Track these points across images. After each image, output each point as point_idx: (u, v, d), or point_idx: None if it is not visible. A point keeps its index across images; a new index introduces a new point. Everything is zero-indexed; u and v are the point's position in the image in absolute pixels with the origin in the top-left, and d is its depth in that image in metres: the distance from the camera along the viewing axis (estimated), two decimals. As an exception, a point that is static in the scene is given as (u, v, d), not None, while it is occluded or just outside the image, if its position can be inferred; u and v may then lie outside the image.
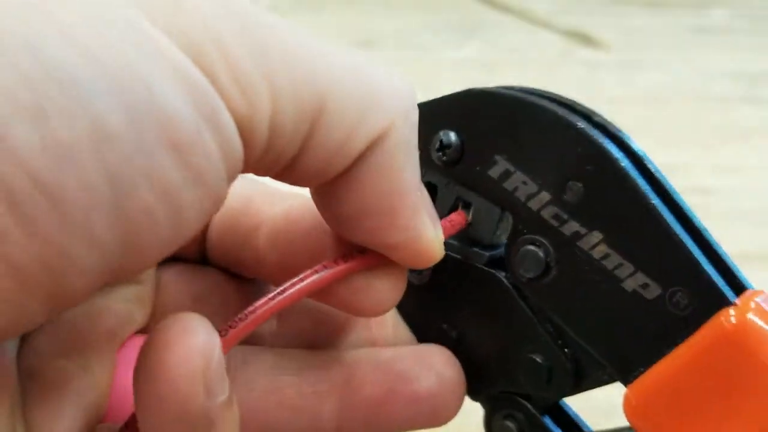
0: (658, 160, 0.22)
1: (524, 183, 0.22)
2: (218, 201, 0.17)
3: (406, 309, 0.26)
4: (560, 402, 0.25)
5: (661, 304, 0.21)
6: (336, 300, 0.22)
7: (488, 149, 0.23)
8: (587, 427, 0.25)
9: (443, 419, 0.25)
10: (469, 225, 0.24)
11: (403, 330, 0.26)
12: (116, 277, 0.16)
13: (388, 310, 0.22)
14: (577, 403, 0.25)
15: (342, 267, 0.21)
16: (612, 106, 0.74)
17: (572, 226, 0.22)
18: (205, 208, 0.17)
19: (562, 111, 0.22)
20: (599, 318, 0.22)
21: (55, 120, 0.14)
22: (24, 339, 0.21)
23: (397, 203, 0.20)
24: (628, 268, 0.21)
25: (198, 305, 0.24)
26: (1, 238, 0.14)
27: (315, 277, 0.21)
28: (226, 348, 0.19)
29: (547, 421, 0.25)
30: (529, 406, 0.25)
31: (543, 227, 0.22)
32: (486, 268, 0.24)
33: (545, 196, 0.22)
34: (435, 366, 0.24)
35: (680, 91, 0.74)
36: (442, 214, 0.24)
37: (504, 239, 0.24)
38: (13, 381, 0.20)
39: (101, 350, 0.22)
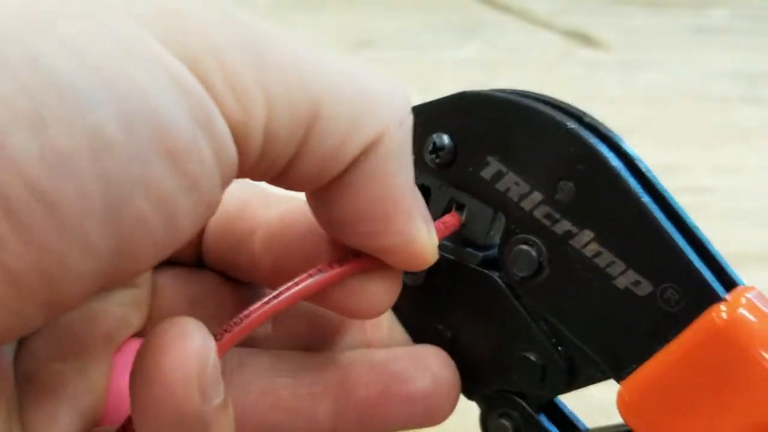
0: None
1: (516, 183, 0.23)
2: (212, 206, 0.18)
3: (401, 310, 0.26)
4: (555, 400, 0.25)
5: (652, 301, 0.21)
6: (331, 303, 0.22)
7: (481, 151, 0.23)
8: (582, 424, 0.25)
9: (438, 419, 0.25)
10: (462, 226, 0.24)
11: (399, 331, 0.26)
12: (112, 281, 0.17)
13: (382, 313, 0.22)
14: (573, 402, 0.25)
15: (337, 270, 0.21)
16: (612, 106, 0.75)
17: (564, 225, 0.22)
18: (200, 214, 0.17)
19: (553, 112, 0.22)
20: (592, 316, 0.22)
21: (54, 128, 0.15)
22: (21, 343, 0.21)
23: (390, 208, 0.20)
24: (620, 265, 0.21)
25: (194, 309, 0.24)
26: None
27: (310, 280, 0.21)
28: (222, 352, 0.19)
29: (543, 419, 0.25)
30: (524, 404, 0.25)
31: (535, 227, 0.23)
32: (480, 269, 0.24)
33: (537, 196, 0.22)
34: (430, 366, 0.25)
35: (680, 91, 0.74)
36: (436, 215, 0.24)
37: (497, 239, 0.24)
38: (10, 384, 0.20)
39: (98, 354, 0.22)
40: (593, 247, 0.22)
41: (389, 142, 0.19)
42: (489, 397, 0.25)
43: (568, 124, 0.22)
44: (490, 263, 0.24)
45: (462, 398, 0.25)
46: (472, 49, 0.81)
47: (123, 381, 0.19)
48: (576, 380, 0.24)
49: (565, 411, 0.25)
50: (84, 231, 0.15)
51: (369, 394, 0.24)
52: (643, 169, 0.22)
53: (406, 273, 0.24)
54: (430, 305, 0.26)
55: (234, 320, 0.20)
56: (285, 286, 0.21)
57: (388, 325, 0.26)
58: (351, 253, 0.22)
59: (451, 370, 0.25)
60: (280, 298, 0.21)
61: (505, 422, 0.25)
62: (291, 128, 0.18)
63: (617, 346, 0.22)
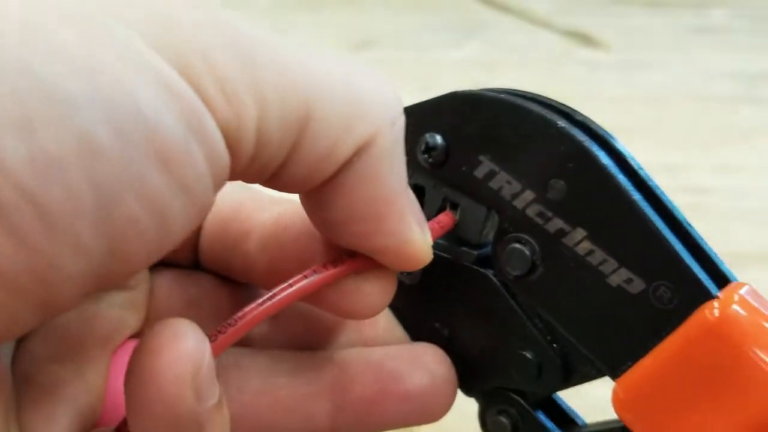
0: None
1: (508, 182, 0.23)
2: (205, 208, 0.18)
3: (398, 308, 0.26)
4: (553, 395, 0.25)
5: (645, 299, 0.21)
6: (326, 304, 0.22)
7: (473, 150, 0.23)
8: (581, 419, 0.25)
9: (435, 416, 0.25)
10: (457, 225, 0.24)
11: (396, 329, 0.26)
12: (105, 283, 0.17)
13: (378, 313, 0.23)
14: (571, 400, 0.26)
15: (331, 271, 0.21)
16: (612, 106, 0.75)
17: (556, 224, 0.22)
18: (192, 216, 0.17)
19: (543, 111, 0.22)
20: (586, 313, 0.22)
21: (43, 132, 0.15)
22: (19, 344, 0.21)
23: (383, 209, 0.20)
24: (612, 263, 0.22)
25: (191, 310, 0.24)
26: None
27: (304, 282, 0.21)
28: (216, 353, 0.19)
29: (540, 415, 0.25)
30: (521, 401, 0.25)
31: (528, 225, 0.23)
32: (475, 267, 0.24)
33: (529, 194, 0.22)
34: (426, 364, 0.25)
35: (680, 91, 0.74)
36: (430, 215, 0.24)
37: (492, 238, 0.24)
38: (8, 386, 0.20)
39: (95, 355, 0.22)
40: (585, 246, 0.22)
41: (382, 142, 0.19)
42: (487, 393, 0.26)
43: (558, 122, 0.22)
44: (485, 261, 0.24)
45: (460, 398, 0.25)
46: (472, 49, 0.81)
47: (121, 382, 0.19)
48: (572, 377, 0.24)
49: (563, 406, 0.25)
50: (75, 232, 0.15)
51: (366, 393, 0.24)
52: (635, 167, 0.22)
53: (402, 272, 0.24)
54: (426, 303, 0.26)
55: (228, 321, 0.20)
56: (280, 288, 0.21)
57: (385, 323, 0.26)
58: (346, 253, 0.22)
59: (448, 367, 0.25)
60: (274, 300, 0.21)
61: (503, 419, 0.25)
62: (283, 130, 0.18)
63: (612, 344, 0.22)
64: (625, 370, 0.22)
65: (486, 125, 0.23)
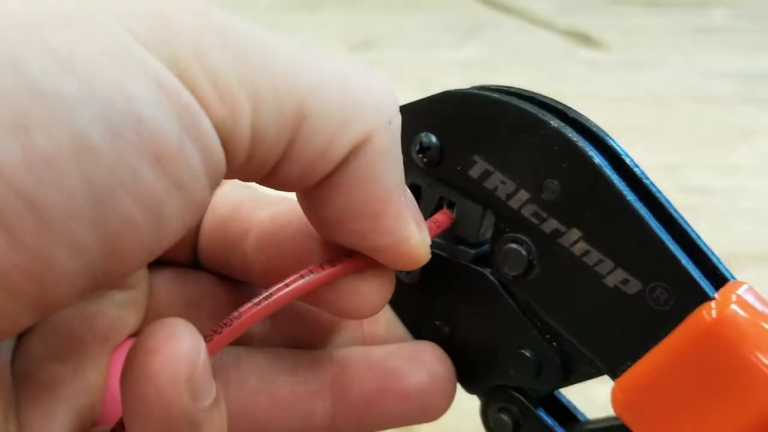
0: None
1: (503, 182, 0.23)
2: (201, 207, 0.18)
3: (399, 306, 0.26)
4: (555, 392, 0.25)
5: (642, 300, 0.21)
6: (324, 303, 0.22)
7: (467, 150, 0.23)
8: (583, 415, 0.25)
9: (434, 415, 0.25)
10: (453, 224, 0.24)
11: (397, 327, 0.26)
12: (101, 282, 0.17)
13: (376, 313, 0.23)
14: (573, 396, 0.26)
15: (328, 271, 0.21)
16: (612, 106, 0.75)
17: (552, 224, 0.22)
18: (188, 215, 0.17)
19: (535, 110, 0.22)
20: (584, 314, 0.22)
21: (36, 133, 0.15)
22: (18, 343, 0.21)
23: (380, 208, 0.20)
24: (608, 264, 0.22)
25: (190, 309, 0.25)
26: None
27: (301, 281, 0.21)
28: (212, 352, 0.19)
29: (542, 413, 0.25)
30: (522, 399, 0.25)
31: (524, 225, 0.23)
32: (472, 266, 0.24)
33: (524, 194, 0.22)
34: (425, 362, 0.25)
35: (680, 91, 0.74)
36: (427, 214, 0.24)
37: (489, 236, 0.24)
38: (7, 384, 0.20)
39: (94, 354, 0.22)
40: (581, 246, 0.22)
41: (378, 141, 0.19)
42: (488, 391, 0.26)
43: (551, 122, 0.22)
44: (483, 260, 0.24)
45: (459, 397, 0.25)
46: (472, 49, 0.81)
47: (120, 381, 0.19)
48: (571, 376, 0.24)
49: (565, 402, 0.25)
50: (70, 230, 0.15)
51: (366, 391, 0.24)
52: (630, 165, 0.22)
53: (401, 270, 0.24)
54: (426, 302, 0.26)
55: (224, 321, 0.20)
56: (276, 287, 0.21)
57: (385, 321, 0.26)
58: (343, 253, 0.22)
59: (447, 366, 0.25)
60: (270, 300, 0.21)
61: (505, 417, 0.25)
62: (278, 128, 0.18)
63: (610, 344, 0.22)
64: (624, 370, 0.22)
65: (479, 125, 0.23)
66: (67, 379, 0.21)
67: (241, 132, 0.17)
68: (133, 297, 0.24)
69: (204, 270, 0.25)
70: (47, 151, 0.15)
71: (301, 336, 0.26)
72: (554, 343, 0.24)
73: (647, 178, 0.22)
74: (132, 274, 0.23)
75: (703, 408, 0.20)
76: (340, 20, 0.86)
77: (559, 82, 0.74)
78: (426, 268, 0.23)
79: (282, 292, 0.21)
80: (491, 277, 0.24)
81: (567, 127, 0.22)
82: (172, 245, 0.18)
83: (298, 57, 0.18)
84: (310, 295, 0.21)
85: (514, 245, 0.23)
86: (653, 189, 0.22)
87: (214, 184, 0.18)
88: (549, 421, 0.25)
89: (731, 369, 0.20)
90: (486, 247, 0.24)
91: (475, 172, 0.23)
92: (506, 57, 0.80)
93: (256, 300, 0.20)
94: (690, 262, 0.21)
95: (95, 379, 0.22)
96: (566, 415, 0.25)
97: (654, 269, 0.21)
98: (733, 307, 0.20)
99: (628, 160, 0.22)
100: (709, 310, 0.20)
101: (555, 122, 0.22)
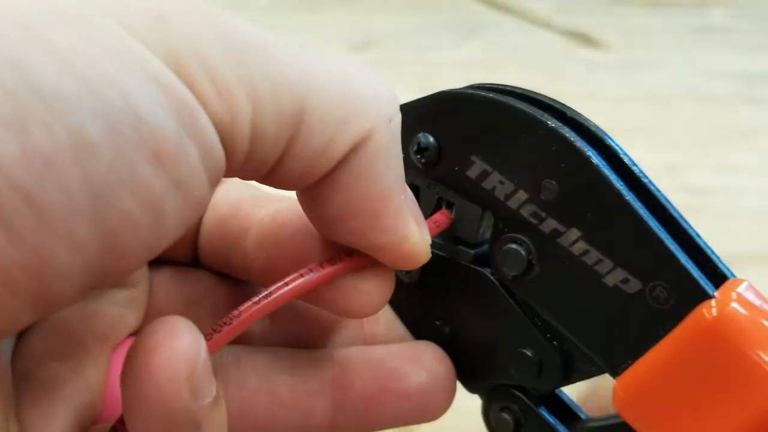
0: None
1: (501, 183, 0.23)
2: (200, 205, 0.18)
3: (399, 306, 0.26)
4: (557, 390, 0.25)
5: (642, 299, 0.21)
6: (323, 302, 0.22)
7: (465, 150, 0.23)
8: (584, 413, 0.25)
9: (435, 415, 0.25)
10: (453, 224, 0.24)
11: (397, 327, 0.26)
12: (101, 279, 0.17)
13: (376, 312, 0.23)
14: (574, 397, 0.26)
15: (328, 270, 0.21)
16: (612, 106, 0.75)
17: (551, 224, 0.22)
18: (187, 213, 0.17)
19: (533, 110, 0.22)
20: (584, 313, 0.22)
21: (35, 131, 0.15)
22: (19, 341, 0.21)
23: (379, 206, 0.20)
24: (608, 264, 0.22)
25: (191, 308, 0.25)
26: None
27: (301, 280, 0.21)
28: (212, 351, 0.19)
29: (543, 411, 0.25)
30: (524, 398, 0.25)
31: (523, 225, 0.23)
32: (472, 266, 0.24)
33: (522, 195, 0.22)
34: (425, 362, 0.25)
35: (680, 91, 0.74)
36: (425, 214, 0.24)
37: (488, 236, 0.24)
38: (7, 383, 0.20)
39: (95, 353, 0.22)
40: (581, 246, 0.22)
41: (378, 139, 0.19)
42: (489, 390, 0.26)
43: (548, 122, 0.22)
44: (483, 260, 0.24)
45: (459, 396, 0.25)
46: (472, 49, 0.81)
47: (120, 380, 0.19)
48: (572, 375, 0.24)
49: (566, 400, 0.25)
50: (69, 228, 0.15)
51: (366, 391, 0.24)
52: (628, 164, 0.22)
53: (401, 270, 0.24)
54: (427, 301, 0.26)
55: (224, 320, 0.20)
56: (276, 286, 0.21)
57: (385, 320, 0.26)
58: (343, 251, 0.22)
59: (447, 366, 0.25)
60: (270, 298, 0.21)
61: (506, 416, 0.25)
62: (278, 126, 0.18)
63: (611, 343, 0.22)
64: (625, 369, 0.22)
65: (477, 125, 0.23)
66: (67, 378, 0.21)
67: (240, 129, 0.17)
68: (133, 295, 0.24)
69: (204, 268, 0.25)
70: (46, 148, 0.15)
71: (301, 335, 0.26)
72: (555, 342, 0.24)
73: (646, 177, 0.22)
74: (132, 272, 0.23)
75: (705, 405, 0.21)
76: (340, 20, 0.86)
77: (559, 82, 0.74)
78: (426, 268, 0.23)
79: (282, 291, 0.21)
80: (491, 277, 0.24)
81: (565, 127, 0.22)
82: (172, 243, 0.18)
83: (297, 56, 0.18)
84: (310, 293, 0.21)
85: (513, 245, 0.23)
86: (652, 188, 0.22)
87: (214, 182, 0.18)
88: (550, 419, 0.25)
89: (732, 366, 0.20)
90: (485, 247, 0.24)
91: (473, 173, 0.23)
92: (506, 57, 0.80)
93: (256, 299, 0.20)
94: (689, 261, 0.21)
95: (95, 378, 0.22)
96: (568, 413, 0.25)
97: (653, 268, 0.21)
98: (734, 305, 0.20)
99: (626, 160, 0.22)
100: (710, 309, 0.20)
101: (553, 122, 0.22)
